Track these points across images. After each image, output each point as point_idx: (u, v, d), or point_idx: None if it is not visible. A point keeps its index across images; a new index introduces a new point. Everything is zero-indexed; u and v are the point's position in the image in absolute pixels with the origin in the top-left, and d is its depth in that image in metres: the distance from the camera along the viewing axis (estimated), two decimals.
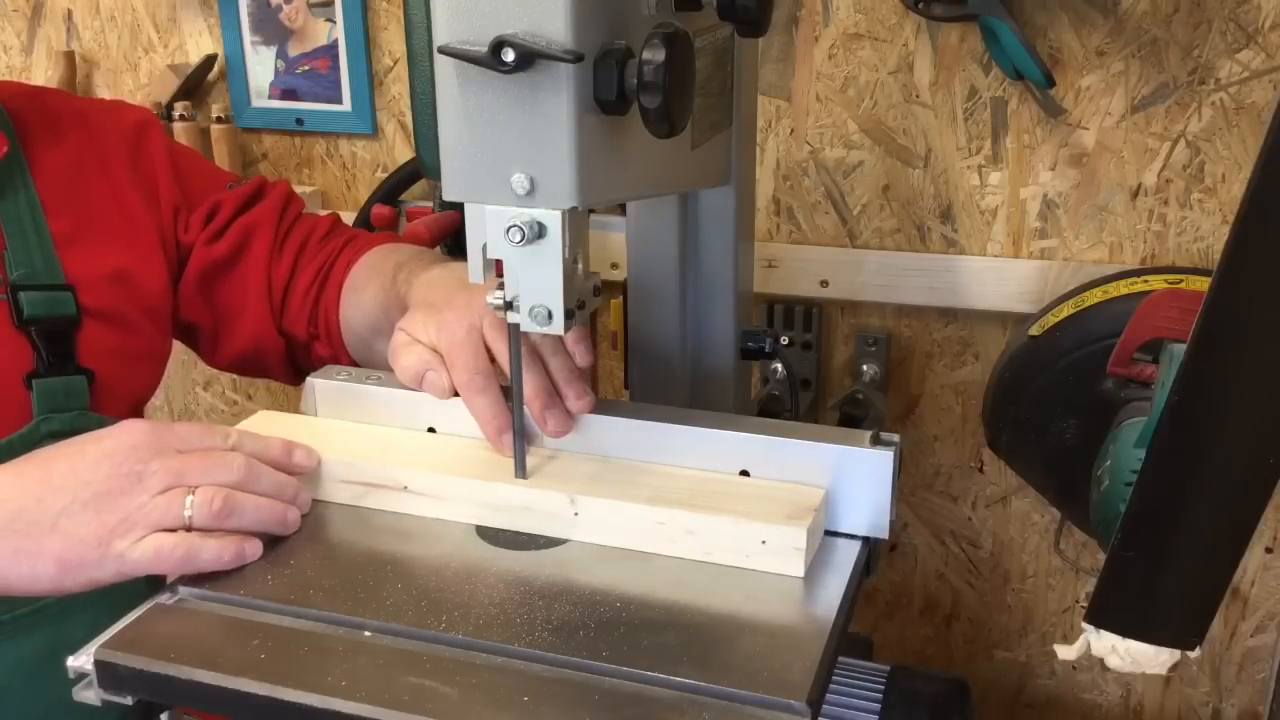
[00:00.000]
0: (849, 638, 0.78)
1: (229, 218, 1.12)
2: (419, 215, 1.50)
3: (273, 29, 1.58)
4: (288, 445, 0.85)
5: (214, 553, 0.77)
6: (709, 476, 0.84)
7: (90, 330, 1.01)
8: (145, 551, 0.75)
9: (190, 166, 1.14)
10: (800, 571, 0.78)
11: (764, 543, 0.78)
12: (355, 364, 1.09)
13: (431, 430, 0.91)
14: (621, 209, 1.12)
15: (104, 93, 1.68)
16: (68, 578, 0.76)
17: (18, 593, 0.76)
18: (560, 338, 0.87)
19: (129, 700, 0.71)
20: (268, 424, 0.92)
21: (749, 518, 0.78)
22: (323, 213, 1.21)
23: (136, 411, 1.09)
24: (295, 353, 1.14)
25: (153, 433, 0.79)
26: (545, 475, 0.85)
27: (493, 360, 0.88)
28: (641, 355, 1.03)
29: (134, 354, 1.06)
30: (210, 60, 1.61)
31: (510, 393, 0.85)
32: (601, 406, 0.88)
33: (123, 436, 0.79)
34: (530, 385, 0.85)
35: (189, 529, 0.77)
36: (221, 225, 1.11)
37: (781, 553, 0.77)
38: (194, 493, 0.77)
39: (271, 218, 1.13)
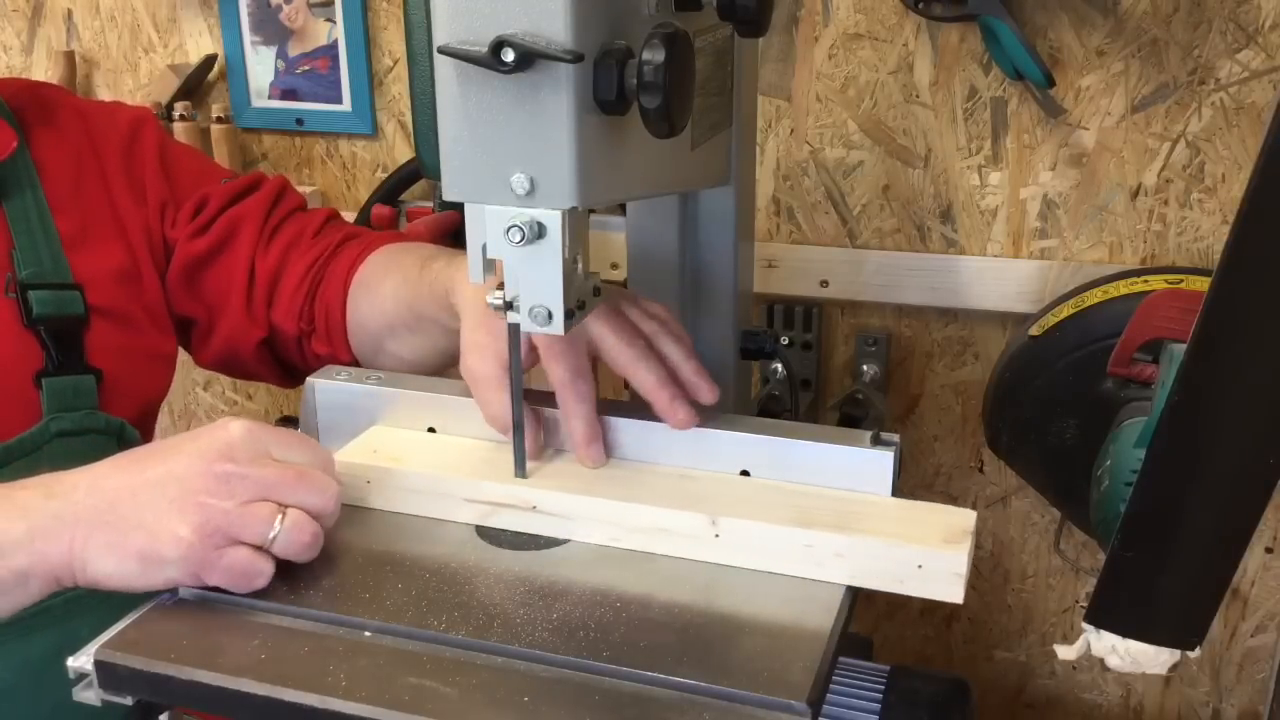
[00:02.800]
0: (849, 638, 0.78)
1: (216, 211, 1.09)
2: (419, 215, 1.50)
3: (273, 29, 1.58)
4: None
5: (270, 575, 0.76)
6: (851, 496, 0.81)
7: (98, 329, 1.00)
8: (228, 568, 0.73)
9: (182, 162, 1.12)
10: (959, 598, 0.74)
11: (920, 567, 0.75)
12: (355, 361, 1.07)
13: (431, 430, 0.91)
14: (621, 209, 1.12)
15: (104, 93, 1.68)
16: (148, 574, 0.74)
17: (106, 586, 0.75)
18: (670, 328, 0.87)
19: (129, 700, 0.71)
20: (381, 439, 0.90)
21: (903, 540, 0.76)
22: None
23: (146, 413, 1.08)
24: (282, 349, 1.11)
25: (249, 433, 0.76)
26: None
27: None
28: None
29: (141, 353, 1.05)
30: (210, 60, 1.61)
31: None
32: (602, 407, 0.87)
33: (219, 434, 0.76)
34: (654, 376, 0.84)
35: (264, 548, 0.74)
36: (208, 219, 1.09)
37: (939, 577, 0.74)
38: (285, 514, 0.74)
39: (259, 210, 1.10)
